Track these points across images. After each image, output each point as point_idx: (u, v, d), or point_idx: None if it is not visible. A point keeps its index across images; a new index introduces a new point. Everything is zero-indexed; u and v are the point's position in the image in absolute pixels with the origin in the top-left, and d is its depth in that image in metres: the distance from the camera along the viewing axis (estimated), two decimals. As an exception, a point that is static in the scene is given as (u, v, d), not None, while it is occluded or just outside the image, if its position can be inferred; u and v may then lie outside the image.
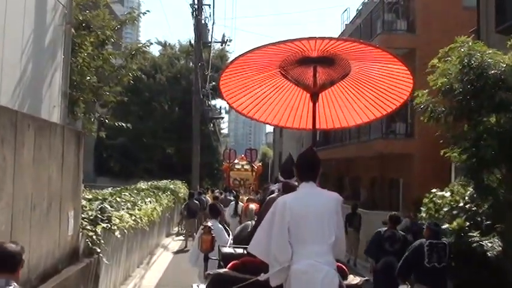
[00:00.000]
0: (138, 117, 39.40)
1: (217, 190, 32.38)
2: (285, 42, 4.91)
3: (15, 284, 3.59)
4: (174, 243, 19.22)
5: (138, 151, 38.24)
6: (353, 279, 4.66)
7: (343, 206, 4.57)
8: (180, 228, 22.30)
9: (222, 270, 4.77)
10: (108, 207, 9.43)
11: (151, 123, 39.22)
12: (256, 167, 33.54)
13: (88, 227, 7.83)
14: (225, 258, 5.04)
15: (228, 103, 6.15)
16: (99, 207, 8.97)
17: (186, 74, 42.66)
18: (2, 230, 4.86)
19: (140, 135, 38.44)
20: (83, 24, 10.71)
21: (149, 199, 13.66)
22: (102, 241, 8.14)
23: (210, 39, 25.08)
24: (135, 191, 13.78)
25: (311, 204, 4.27)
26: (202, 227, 7.37)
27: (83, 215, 8.05)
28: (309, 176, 4.43)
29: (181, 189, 24.26)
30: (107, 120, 11.93)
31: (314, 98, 5.54)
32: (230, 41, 26.60)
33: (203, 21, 23.62)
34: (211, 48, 27.54)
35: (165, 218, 18.84)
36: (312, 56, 5.22)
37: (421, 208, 10.14)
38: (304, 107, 6.05)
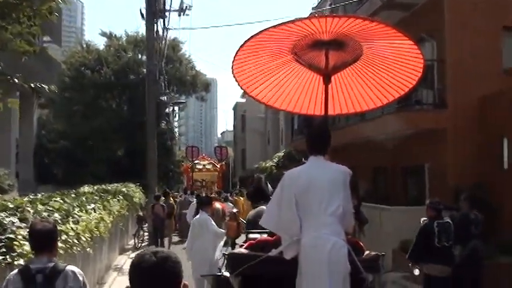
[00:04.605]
0: (83, 117, 35.12)
1: (178, 193, 28.71)
2: (293, 22, 4.74)
3: (55, 259, 3.79)
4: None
5: (84, 155, 34.12)
6: (369, 254, 4.58)
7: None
8: (136, 242, 18.33)
9: (236, 250, 5.24)
10: (17, 221, 5.50)
11: (98, 123, 34.59)
12: (219, 166, 30.74)
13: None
14: None
15: (245, 92, 5.97)
16: (-3, 223, 5.05)
17: (135, 67, 38.44)
18: None
19: (86, 137, 34.12)
20: None
21: (93, 206, 9.58)
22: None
23: (165, 7, 20.48)
24: (73, 196, 9.73)
25: (317, 176, 4.29)
26: (228, 213, 7.91)
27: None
28: (317, 149, 4.48)
29: (136, 193, 20.14)
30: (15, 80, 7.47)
31: (326, 80, 5.34)
32: (190, 8, 22.11)
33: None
34: (168, 20, 23.28)
35: (118, 230, 14.76)
36: (323, 39, 5.04)
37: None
38: (319, 91, 5.76)
